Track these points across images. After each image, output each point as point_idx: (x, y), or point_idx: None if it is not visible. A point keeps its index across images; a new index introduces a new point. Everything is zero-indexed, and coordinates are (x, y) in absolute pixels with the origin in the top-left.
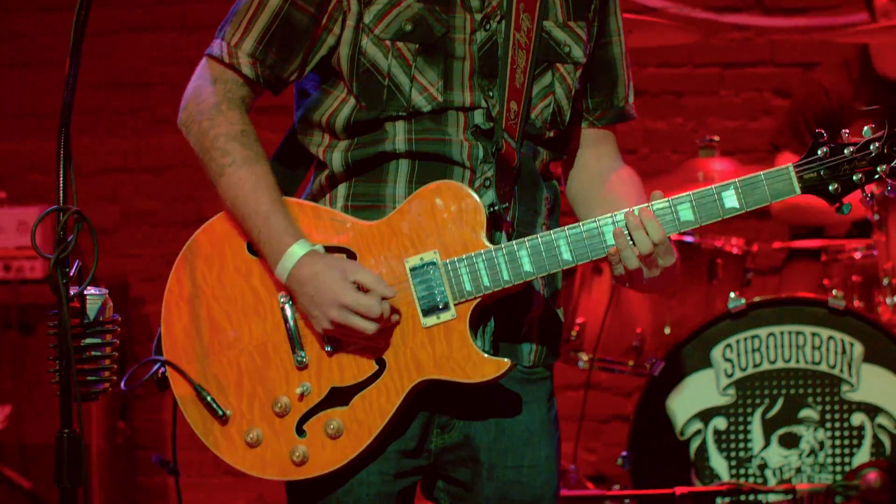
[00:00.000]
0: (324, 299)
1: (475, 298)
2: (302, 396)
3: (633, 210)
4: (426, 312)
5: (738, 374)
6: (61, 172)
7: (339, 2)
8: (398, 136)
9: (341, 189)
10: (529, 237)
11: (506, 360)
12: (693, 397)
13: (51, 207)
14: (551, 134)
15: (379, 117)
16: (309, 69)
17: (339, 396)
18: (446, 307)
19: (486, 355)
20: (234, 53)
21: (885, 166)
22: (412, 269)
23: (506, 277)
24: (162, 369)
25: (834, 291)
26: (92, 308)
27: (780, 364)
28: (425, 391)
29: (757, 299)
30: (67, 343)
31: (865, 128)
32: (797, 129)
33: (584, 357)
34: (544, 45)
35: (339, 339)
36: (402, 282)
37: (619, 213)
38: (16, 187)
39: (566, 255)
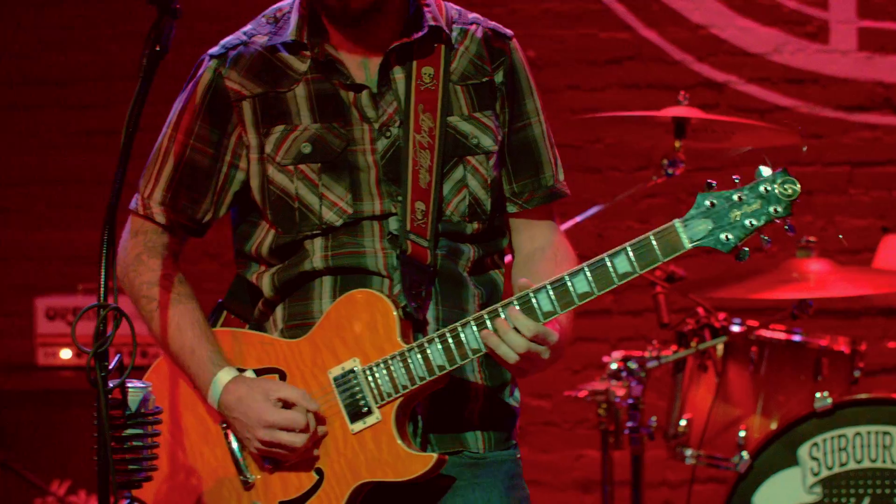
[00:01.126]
0: (250, 421)
1: (396, 398)
2: None
3: (499, 312)
4: (353, 418)
5: (825, 473)
6: (103, 271)
7: (239, 138)
8: (316, 254)
9: (278, 311)
10: (439, 332)
11: (432, 454)
12: (779, 495)
13: (91, 304)
14: (475, 226)
15: (296, 239)
16: (225, 207)
17: None
18: (370, 411)
19: (413, 452)
20: (147, 205)
21: (777, 207)
22: (335, 379)
23: (420, 374)
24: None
25: None
26: (133, 400)
27: (866, 463)
28: (374, 494)
29: (850, 398)
30: (104, 432)
31: (759, 168)
32: None
33: (690, 452)
34: (451, 141)
35: (277, 457)
36: (329, 393)
37: (487, 312)
38: None
39: (474, 345)
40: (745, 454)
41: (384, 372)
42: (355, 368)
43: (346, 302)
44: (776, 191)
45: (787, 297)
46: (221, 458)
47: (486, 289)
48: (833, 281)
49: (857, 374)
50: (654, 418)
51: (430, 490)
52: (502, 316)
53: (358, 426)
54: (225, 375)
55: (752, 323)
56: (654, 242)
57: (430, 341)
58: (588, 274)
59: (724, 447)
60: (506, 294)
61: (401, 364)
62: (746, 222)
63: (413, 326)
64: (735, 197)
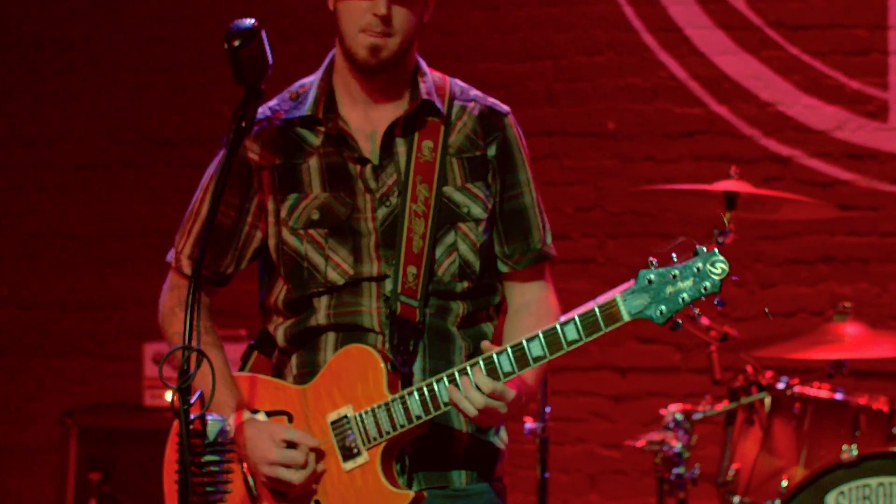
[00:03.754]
0: (256, 459)
1: (381, 442)
2: None
3: (466, 368)
4: (345, 458)
5: None
6: (188, 318)
7: (259, 202)
8: (321, 311)
9: (293, 360)
10: (418, 385)
11: (409, 491)
12: None
13: (176, 346)
14: (465, 285)
15: (304, 295)
16: (246, 262)
17: None
18: (359, 452)
19: (393, 490)
20: (179, 258)
21: (706, 284)
22: (332, 423)
23: (401, 421)
24: None
25: None
26: (212, 430)
27: None
28: None
29: (874, 451)
30: (185, 457)
31: (695, 247)
32: None
33: (737, 499)
34: (445, 209)
35: (282, 490)
36: (326, 435)
37: (459, 369)
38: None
39: (445, 397)
40: (777, 501)
41: (371, 419)
42: (348, 414)
43: (343, 355)
44: (707, 269)
45: (823, 358)
46: (240, 488)
47: (474, 341)
48: (866, 343)
49: (895, 430)
50: (697, 466)
51: None
52: (468, 374)
53: (349, 465)
54: (238, 417)
55: (795, 381)
56: (598, 314)
57: (411, 393)
58: (542, 339)
59: (768, 495)
60: (496, 343)
61: (385, 412)
62: (679, 298)
63: (402, 378)
64: (671, 274)
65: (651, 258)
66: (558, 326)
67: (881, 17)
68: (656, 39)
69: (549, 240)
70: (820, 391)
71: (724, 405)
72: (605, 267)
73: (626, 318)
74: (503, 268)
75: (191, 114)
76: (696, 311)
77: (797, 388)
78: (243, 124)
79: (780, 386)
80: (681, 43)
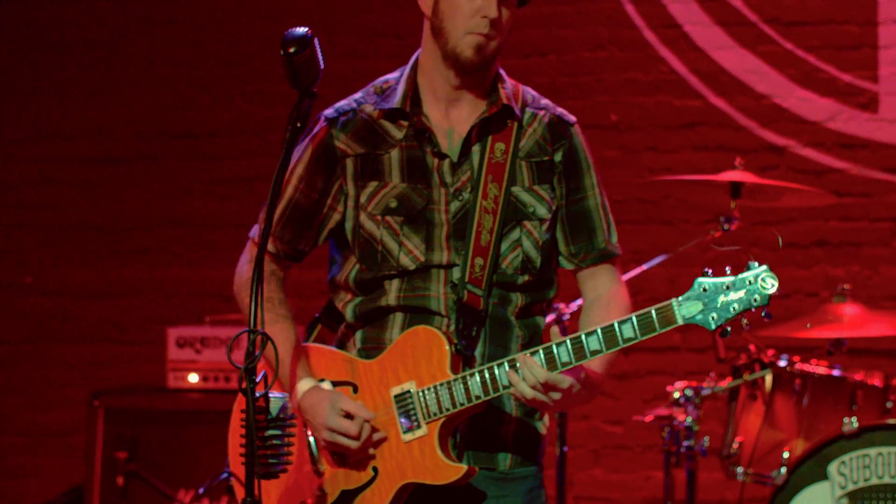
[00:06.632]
0: (317, 424)
1: (440, 417)
2: (319, 499)
3: (526, 354)
4: (405, 430)
5: (851, 487)
6: (253, 303)
7: (341, 186)
8: (391, 293)
9: (358, 335)
10: (480, 367)
11: (463, 465)
12: None
13: (242, 329)
14: (525, 278)
15: (376, 276)
16: (322, 239)
17: (347, 498)
18: (419, 425)
19: (448, 462)
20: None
21: (756, 297)
22: (395, 397)
23: (461, 400)
24: (229, 479)
25: None
26: (274, 407)
27: (886, 479)
28: (417, 495)
29: (874, 423)
30: (252, 433)
31: (749, 262)
32: None
33: (741, 470)
34: (512, 207)
35: (341, 453)
36: (389, 407)
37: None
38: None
39: (504, 381)
40: (782, 469)
41: (433, 395)
42: (411, 390)
43: (410, 334)
44: (758, 284)
45: (824, 337)
46: (301, 450)
47: (529, 331)
48: (864, 323)
49: (889, 404)
50: (706, 438)
51: (464, 498)
52: (527, 361)
53: (408, 437)
54: (304, 385)
55: (796, 358)
56: (654, 316)
57: (472, 375)
58: (600, 335)
59: (770, 466)
60: (544, 334)
61: (446, 391)
62: (731, 307)
63: (462, 360)
64: (724, 284)
65: (706, 268)
66: (616, 324)
67: (872, 14)
68: (657, 36)
69: (613, 239)
70: (818, 368)
71: (728, 382)
72: None
73: (680, 321)
74: (569, 265)
75: (208, 108)
76: (745, 321)
77: (798, 366)
78: (298, 124)
79: (782, 363)
80: (680, 39)
